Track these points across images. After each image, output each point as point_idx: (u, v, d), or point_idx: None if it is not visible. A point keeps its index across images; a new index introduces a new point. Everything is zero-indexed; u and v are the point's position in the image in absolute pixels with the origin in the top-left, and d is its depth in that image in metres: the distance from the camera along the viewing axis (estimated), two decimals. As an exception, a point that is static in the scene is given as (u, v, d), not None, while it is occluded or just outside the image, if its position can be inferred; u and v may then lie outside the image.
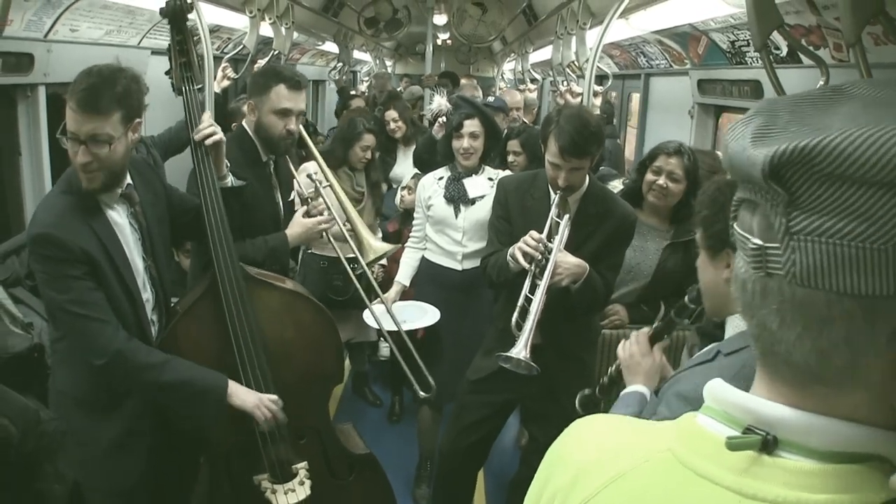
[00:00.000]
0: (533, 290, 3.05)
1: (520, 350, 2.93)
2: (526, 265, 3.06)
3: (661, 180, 3.84)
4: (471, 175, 4.37)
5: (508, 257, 3.20)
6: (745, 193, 0.83)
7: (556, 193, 3.25)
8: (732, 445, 0.82)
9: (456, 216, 4.33)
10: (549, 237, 3.14)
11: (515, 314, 3.03)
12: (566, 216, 3.23)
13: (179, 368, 2.74)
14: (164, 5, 2.95)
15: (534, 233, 3.11)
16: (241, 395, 2.83)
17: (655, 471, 0.91)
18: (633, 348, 2.45)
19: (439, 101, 5.14)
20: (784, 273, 0.76)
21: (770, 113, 0.79)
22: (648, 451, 0.94)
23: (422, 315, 4.34)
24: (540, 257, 3.05)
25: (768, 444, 0.81)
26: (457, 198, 4.33)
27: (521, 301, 3.05)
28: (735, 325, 2.14)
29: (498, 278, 3.32)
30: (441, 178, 4.44)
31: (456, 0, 9.21)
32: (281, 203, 3.75)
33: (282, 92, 3.46)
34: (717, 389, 0.92)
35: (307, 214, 3.57)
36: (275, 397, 2.91)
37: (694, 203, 3.50)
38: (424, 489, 4.76)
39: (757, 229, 0.81)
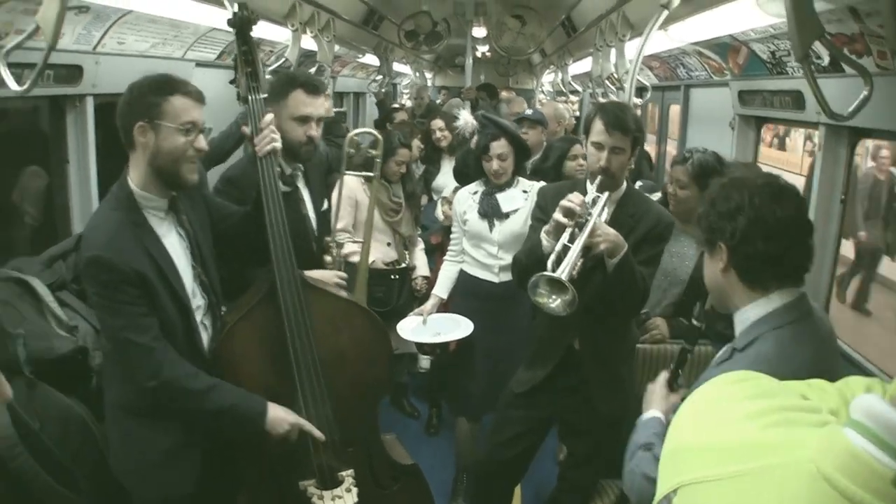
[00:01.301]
0: (572, 241, 2.99)
1: (559, 272, 2.85)
2: (565, 220, 3.02)
3: (671, 188, 4.05)
4: (504, 189, 4.39)
5: (542, 234, 3.18)
6: None
7: (597, 179, 3.28)
8: None
9: (490, 230, 4.36)
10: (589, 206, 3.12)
11: (552, 259, 2.96)
12: (606, 192, 3.25)
13: (222, 396, 2.78)
14: (231, 16, 2.99)
15: (577, 193, 3.11)
16: (277, 423, 2.87)
17: (792, 481, 0.89)
18: (652, 386, 2.48)
19: (465, 118, 5.15)
20: None
21: None
22: (786, 458, 0.91)
23: (455, 327, 4.35)
24: (580, 211, 3.01)
25: None
26: (490, 213, 4.36)
27: (558, 248, 2.98)
28: (742, 320, 2.16)
29: (528, 259, 3.26)
30: (475, 193, 4.47)
31: (495, 13, 9.22)
32: (312, 215, 3.80)
33: (300, 97, 3.51)
34: (877, 409, 0.87)
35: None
36: (312, 428, 2.95)
37: None
38: (460, 503, 4.77)
39: None
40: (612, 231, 3.09)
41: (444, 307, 4.67)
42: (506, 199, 4.38)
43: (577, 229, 3.02)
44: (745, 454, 0.93)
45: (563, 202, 3.05)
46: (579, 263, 2.96)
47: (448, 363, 5.13)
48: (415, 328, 4.44)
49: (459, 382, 4.70)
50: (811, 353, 2.04)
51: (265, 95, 3.07)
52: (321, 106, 3.61)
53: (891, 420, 0.84)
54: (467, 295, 4.58)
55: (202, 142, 2.73)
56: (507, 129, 4.40)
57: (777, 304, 2.09)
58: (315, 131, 3.57)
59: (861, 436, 0.86)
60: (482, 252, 4.45)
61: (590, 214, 3.04)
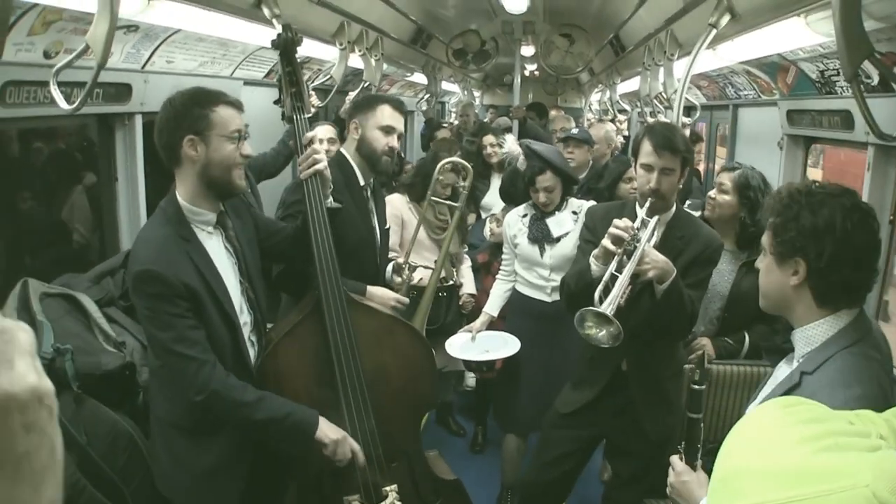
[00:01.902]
0: (619, 271, 3.00)
1: (605, 307, 2.85)
2: (613, 248, 3.02)
3: (713, 192, 4.05)
4: (553, 213, 4.40)
5: (591, 258, 3.18)
6: None
7: (646, 202, 3.26)
8: None
9: (541, 255, 4.39)
10: (638, 232, 3.11)
11: (599, 288, 2.97)
12: (656, 216, 3.23)
13: (272, 407, 2.79)
14: (275, 38, 3.06)
15: (626, 219, 3.10)
16: (328, 433, 2.87)
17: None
18: (673, 476, 2.40)
19: (510, 147, 5.15)
20: None
21: None
22: (841, 483, 0.90)
23: (503, 345, 4.39)
24: (628, 238, 3.01)
25: None
26: (541, 238, 4.39)
27: (605, 277, 2.99)
28: (807, 338, 2.12)
29: (577, 285, 3.26)
30: (525, 216, 4.49)
31: (543, 32, 9.19)
32: (378, 230, 3.86)
33: (386, 111, 3.68)
34: None
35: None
36: (357, 447, 2.96)
37: (753, 224, 3.54)
38: None
39: None
40: (661, 258, 3.08)
41: (496, 326, 4.69)
42: (556, 224, 4.40)
43: (625, 257, 3.03)
44: (801, 480, 0.93)
45: (612, 229, 3.05)
46: (627, 291, 2.96)
47: (496, 380, 5.15)
48: (463, 345, 4.50)
49: (507, 399, 4.71)
50: (879, 371, 2.01)
51: (309, 115, 3.15)
52: (402, 123, 3.79)
53: None
54: (520, 314, 4.61)
55: (248, 148, 2.80)
56: (551, 161, 4.39)
57: (844, 322, 2.07)
58: (396, 143, 3.72)
59: None
60: (534, 274, 4.46)
61: (638, 241, 3.04)
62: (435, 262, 4.96)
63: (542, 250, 4.39)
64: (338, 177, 3.41)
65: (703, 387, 2.48)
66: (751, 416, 1.14)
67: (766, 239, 2.19)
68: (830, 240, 2.00)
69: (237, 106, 2.81)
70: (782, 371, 2.25)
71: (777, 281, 2.16)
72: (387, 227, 4.05)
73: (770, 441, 1.04)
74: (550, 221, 4.41)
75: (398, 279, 3.97)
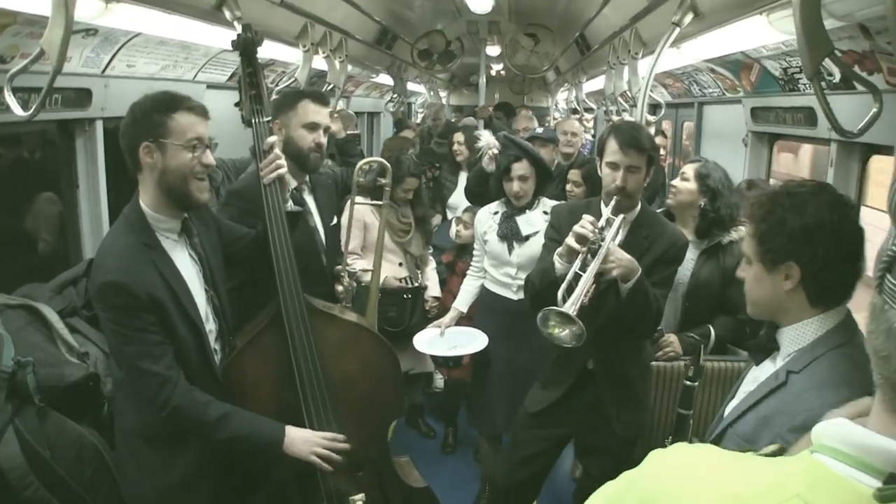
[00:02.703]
0: (583, 269, 2.99)
1: (567, 307, 2.83)
2: (577, 247, 3.02)
3: (676, 180, 4.11)
4: (524, 211, 4.40)
5: (556, 256, 3.18)
6: None
7: (611, 200, 3.25)
8: (884, 497, 0.79)
9: (509, 253, 4.39)
10: (603, 231, 3.11)
11: (562, 287, 2.96)
12: (622, 215, 3.23)
13: (235, 425, 2.75)
14: (235, 38, 3.01)
15: (591, 217, 3.10)
16: (297, 446, 2.85)
17: None
18: None
19: (487, 139, 5.15)
20: None
21: None
22: (776, 498, 0.90)
23: (470, 341, 4.39)
24: (593, 238, 3.01)
25: None
26: (510, 235, 4.38)
27: (569, 276, 2.99)
28: (796, 337, 2.09)
29: (540, 283, 3.27)
30: (496, 213, 4.49)
31: (509, 31, 9.22)
32: (321, 229, 3.81)
33: (309, 106, 3.58)
34: (848, 431, 0.89)
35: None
36: (331, 435, 2.93)
37: (713, 211, 3.56)
38: None
39: None
40: (625, 256, 3.08)
41: (466, 323, 4.69)
42: (525, 222, 4.39)
43: (589, 255, 3.02)
44: (741, 499, 0.93)
45: (577, 227, 3.05)
46: (591, 290, 2.95)
47: (465, 381, 5.20)
48: (430, 340, 4.50)
49: (479, 399, 4.72)
50: (868, 376, 2.00)
51: (269, 118, 3.09)
52: (327, 117, 3.70)
53: (864, 439, 0.87)
54: (486, 311, 4.63)
55: (209, 157, 2.72)
56: (528, 150, 4.40)
57: (834, 321, 2.05)
58: (323, 139, 3.63)
59: (840, 461, 0.88)
60: (502, 272, 4.47)
61: (603, 239, 3.04)
62: (400, 263, 4.96)
63: (510, 248, 4.40)
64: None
65: (697, 384, 2.47)
66: (679, 452, 1.14)
67: (749, 248, 2.14)
68: (822, 239, 1.97)
69: (200, 112, 2.72)
70: (765, 369, 2.23)
71: (769, 289, 2.11)
72: (333, 223, 3.98)
73: (708, 469, 1.05)
74: (521, 219, 4.40)
75: (339, 288, 3.91)
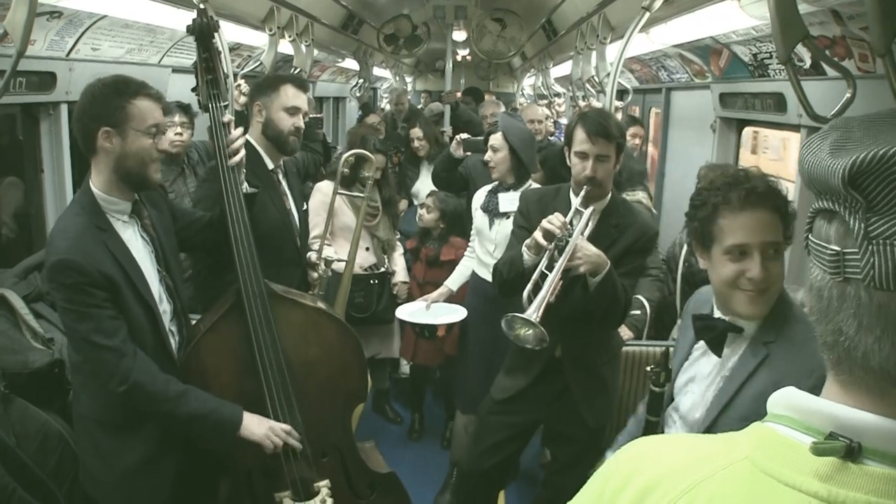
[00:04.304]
0: (550, 268, 3.01)
1: (530, 313, 2.86)
2: (545, 243, 3.03)
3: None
4: (509, 190, 4.45)
5: (524, 247, 3.18)
6: (821, 203, 0.88)
7: (581, 190, 3.25)
8: (818, 451, 0.82)
9: (490, 227, 4.45)
10: (571, 225, 3.12)
11: (528, 287, 2.99)
12: (591, 207, 3.22)
13: (195, 403, 2.75)
14: (190, 23, 2.96)
15: (558, 214, 3.09)
16: (252, 428, 2.84)
17: (735, 479, 0.91)
18: None
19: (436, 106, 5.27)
20: (862, 277, 0.80)
21: (845, 129, 0.85)
22: (725, 461, 0.94)
23: (450, 313, 4.53)
24: (560, 235, 3.01)
25: (853, 452, 0.82)
26: (490, 210, 4.46)
27: (535, 275, 3.01)
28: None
29: (509, 274, 3.27)
30: (488, 191, 4.57)
31: (475, 16, 9.21)
32: (295, 211, 3.82)
33: (290, 91, 3.67)
34: (794, 398, 0.93)
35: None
36: (288, 427, 2.92)
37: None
38: (447, 496, 4.78)
39: (834, 237, 0.85)
40: (593, 252, 3.06)
41: (457, 303, 4.74)
42: (506, 200, 4.44)
43: (556, 252, 3.02)
44: (696, 465, 0.96)
45: (544, 223, 3.05)
46: (559, 286, 2.98)
47: (432, 367, 5.39)
48: (414, 311, 4.62)
49: (458, 379, 4.82)
50: None
51: (226, 103, 3.07)
52: (306, 102, 3.76)
53: (806, 402, 0.91)
54: (471, 292, 4.71)
55: (165, 142, 2.74)
56: (503, 123, 4.59)
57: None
58: (301, 124, 3.69)
59: (785, 426, 0.92)
60: (483, 249, 4.54)
61: (570, 235, 3.04)
62: (367, 248, 4.96)
63: (490, 223, 4.46)
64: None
65: (665, 389, 2.48)
66: (641, 441, 1.16)
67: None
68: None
69: (158, 99, 2.73)
70: (732, 354, 2.26)
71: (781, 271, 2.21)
72: (304, 208, 4.02)
73: (668, 447, 1.08)
74: (502, 197, 4.46)
75: (314, 275, 3.91)
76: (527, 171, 4.54)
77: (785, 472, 0.86)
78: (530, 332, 2.93)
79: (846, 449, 0.81)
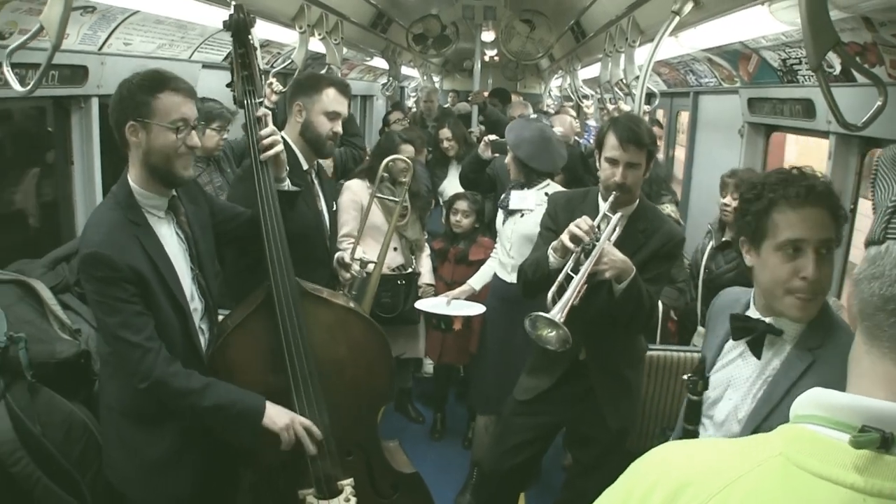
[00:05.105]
0: (575, 271, 3.00)
1: (555, 313, 2.85)
2: (571, 246, 3.01)
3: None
4: (523, 188, 4.47)
5: (550, 250, 3.17)
6: None
7: (610, 195, 3.24)
8: (858, 443, 0.84)
9: (503, 224, 4.50)
10: (599, 230, 3.11)
11: (553, 288, 2.98)
12: (619, 213, 3.21)
13: (218, 393, 2.74)
14: (227, 18, 2.97)
15: (586, 217, 3.07)
16: (274, 418, 2.82)
17: (769, 475, 0.93)
18: None
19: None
20: None
21: None
22: (758, 458, 0.95)
23: (468, 308, 4.58)
24: (588, 240, 3.00)
25: (887, 442, 0.84)
26: (503, 206, 4.52)
27: (560, 277, 3.00)
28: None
29: (533, 275, 3.27)
30: (508, 189, 4.63)
31: (504, 17, 9.19)
32: (326, 212, 3.81)
33: (332, 94, 3.62)
34: (821, 396, 0.95)
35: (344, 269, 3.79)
36: (309, 423, 2.90)
37: None
38: (468, 497, 4.78)
39: None
40: (619, 257, 3.05)
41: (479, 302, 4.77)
42: (518, 197, 4.47)
43: (583, 255, 3.02)
44: (728, 465, 0.97)
45: (572, 227, 3.04)
46: (583, 289, 2.96)
47: (455, 367, 5.47)
48: (433, 304, 4.69)
49: (477, 380, 4.89)
50: None
51: (261, 99, 3.06)
52: (347, 106, 3.74)
53: (837, 399, 0.93)
54: (492, 294, 4.72)
55: (194, 138, 2.70)
56: (509, 129, 4.65)
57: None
58: (339, 128, 3.67)
59: (815, 424, 0.94)
60: (501, 248, 4.58)
61: (598, 239, 3.03)
62: (395, 248, 4.96)
63: (504, 219, 4.53)
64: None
65: (702, 398, 2.45)
66: (667, 445, 1.17)
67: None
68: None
69: (186, 93, 2.70)
70: (774, 358, 2.24)
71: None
72: (334, 209, 4.00)
73: (696, 450, 1.10)
74: (515, 193, 4.49)
75: (346, 275, 3.84)
76: (532, 172, 4.53)
77: (819, 466, 0.88)
78: (553, 333, 2.91)
79: (881, 440, 0.83)
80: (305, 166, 3.65)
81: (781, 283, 2.14)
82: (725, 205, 4.43)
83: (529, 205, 4.35)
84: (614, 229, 3.17)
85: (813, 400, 0.95)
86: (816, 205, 2.10)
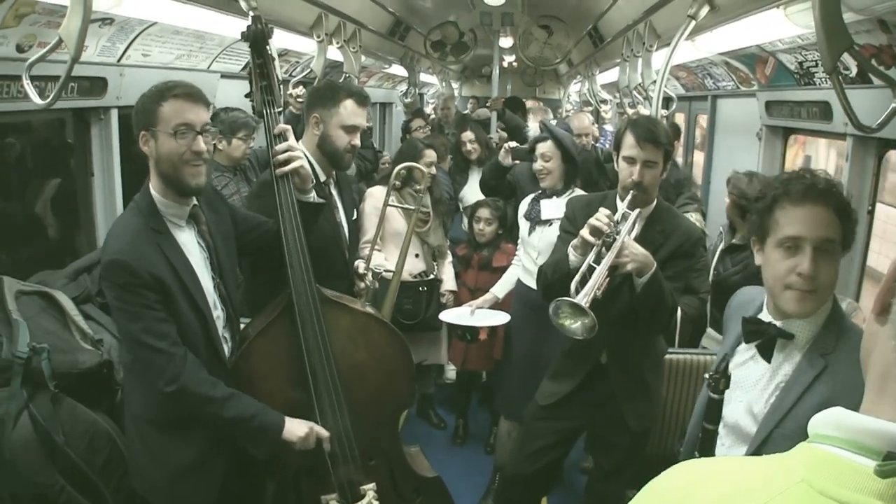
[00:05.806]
0: (597, 262, 3.00)
1: (580, 298, 2.85)
2: (592, 239, 3.03)
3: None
4: (552, 196, 4.50)
5: (570, 248, 3.18)
6: None
7: (628, 195, 3.25)
8: (884, 472, 0.81)
9: (530, 234, 4.49)
10: (618, 225, 3.12)
11: (576, 278, 2.98)
12: (637, 209, 3.23)
13: (240, 406, 2.76)
14: (245, 29, 2.99)
15: (605, 210, 3.10)
16: (293, 431, 2.85)
17: (794, 502, 0.89)
18: None
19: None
20: None
21: None
22: (781, 485, 0.91)
23: (493, 318, 4.58)
24: (608, 231, 3.01)
25: None
26: (532, 217, 4.51)
27: (583, 268, 3.01)
28: (809, 321, 2.18)
29: (553, 275, 3.26)
30: (531, 199, 4.63)
31: (522, 23, 9.19)
32: (345, 224, 3.79)
33: (350, 107, 3.53)
34: (845, 418, 0.91)
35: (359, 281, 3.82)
36: (326, 435, 2.93)
37: None
38: (490, 502, 4.80)
39: None
40: (640, 251, 3.07)
41: (503, 310, 4.76)
42: (549, 207, 4.48)
43: (604, 248, 3.02)
44: (750, 491, 0.93)
45: (592, 220, 3.05)
46: (605, 283, 2.96)
47: (477, 373, 5.46)
48: (458, 314, 4.67)
49: (502, 384, 4.90)
50: None
51: (280, 109, 3.08)
52: (366, 118, 3.66)
53: (860, 423, 0.89)
54: (516, 299, 4.74)
55: (200, 143, 2.66)
56: (554, 132, 4.58)
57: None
58: (357, 141, 3.61)
59: (836, 447, 0.89)
60: (528, 257, 4.57)
61: (618, 233, 3.03)
62: (416, 255, 4.97)
63: (531, 229, 4.50)
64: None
65: (724, 396, 2.44)
66: (686, 465, 1.15)
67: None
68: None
69: (191, 98, 2.67)
70: (785, 362, 2.24)
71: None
72: (354, 217, 4.00)
73: (717, 472, 1.05)
74: (545, 203, 4.50)
75: (362, 285, 3.86)
76: (576, 174, 4.56)
77: (844, 493, 0.84)
78: (577, 322, 2.91)
79: None
80: (323, 178, 3.61)
81: (780, 279, 2.16)
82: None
83: (560, 213, 4.36)
84: (633, 224, 3.18)
85: (834, 421, 0.92)
86: (818, 203, 2.11)
